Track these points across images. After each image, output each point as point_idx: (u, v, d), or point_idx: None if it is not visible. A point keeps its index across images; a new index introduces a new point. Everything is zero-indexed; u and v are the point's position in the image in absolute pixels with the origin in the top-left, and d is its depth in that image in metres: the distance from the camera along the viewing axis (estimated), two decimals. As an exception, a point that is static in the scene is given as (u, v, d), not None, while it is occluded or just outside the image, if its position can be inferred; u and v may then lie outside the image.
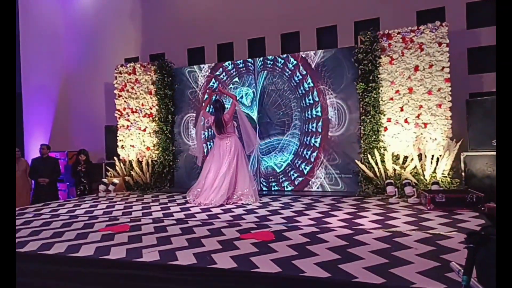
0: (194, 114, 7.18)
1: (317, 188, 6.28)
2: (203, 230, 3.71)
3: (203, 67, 7.27)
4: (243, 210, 4.84)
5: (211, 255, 2.81)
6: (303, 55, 6.50)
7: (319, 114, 6.34)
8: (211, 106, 5.93)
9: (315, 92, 6.37)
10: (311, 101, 6.41)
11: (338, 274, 2.31)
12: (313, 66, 6.39)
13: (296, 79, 6.53)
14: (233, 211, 4.77)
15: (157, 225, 4.00)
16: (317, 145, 6.32)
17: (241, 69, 6.95)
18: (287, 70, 6.60)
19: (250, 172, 5.72)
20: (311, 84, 6.40)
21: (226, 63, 7.09)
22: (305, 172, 6.39)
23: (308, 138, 6.41)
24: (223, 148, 5.59)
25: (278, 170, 6.60)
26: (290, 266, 2.49)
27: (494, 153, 5.19)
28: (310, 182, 6.34)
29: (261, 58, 6.84)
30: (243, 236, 3.39)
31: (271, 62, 6.74)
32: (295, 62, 6.53)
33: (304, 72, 6.46)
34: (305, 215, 4.33)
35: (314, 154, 6.34)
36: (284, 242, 3.11)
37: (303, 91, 6.46)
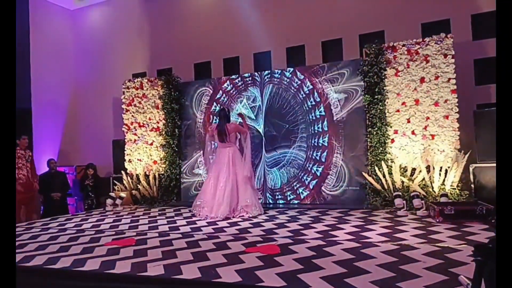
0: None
1: (325, 200, 6.24)
2: (208, 243, 3.68)
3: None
4: (249, 223, 4.81)
5: (216, 268, 2.78)
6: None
7: (326, 128, 6.34)
8: (216, 116, 5.97)
9: (321, 108, 6.39)
10: (318, 116, 6.43)
11: (345, 288, 2.27)
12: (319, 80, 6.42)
13: (303, 93, 6.56)
14: (239, 225, 4.74)
15: (163, 239, 3.99)
16: (323, 160, 6.31)
17: (248, 82, 7.00)
18: (294, 84, 6.63)
19: (253, 183, 5.69)
20: (318, 99, 6.42)
21: (225, 85, 7.15)
22: (311, 186, 6.36)
23: (315, 152, 6.40)
24: (224, 157, 5.58)
25: (285, 181, 6.58)
26: (296, 280, 2.46)
27: (504, 164, 5.12)
28: (317, 194, 6.30)
29: (268, 72, 6.89)
30: (248, 249, 3.36)
31: (279, 76, 6.77)
32: (302, 76, 6.56)
33: (311, 87, 6.49)
34: (312, 228, 4.29)
35: (320, 168, 6.33)
36: (289, 256, 3.07)
37: (310, 105, 6.49)
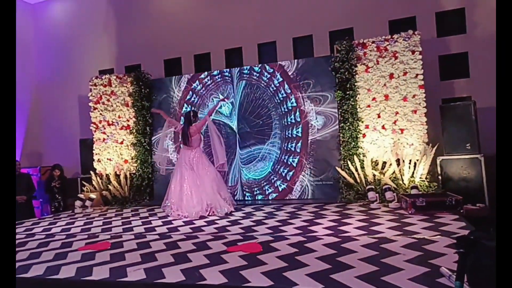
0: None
1: (299, 195, 6.31)
2: (188, 244, 3.63)
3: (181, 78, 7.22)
4: (227, 221, 4.78)
5: (200, 270, 2.74)
6: (282, 64, 6.56)
7: (299, 119, 6.40)
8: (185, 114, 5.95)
9: (292, 99, 6.43)
10: (290, 108, 6.46)
11: (331, 285, 2.30)
12: (290, 74, 6.46)
13: (273, 87, 6.58)
14: (216, 223, 4.70)
15: (140, 241, 3.89)
16: (298, 150, 6.37)
17: (219, 81, 6.93)
18: (265, 79, 6.63)
19: (219, 180, 5.68)
20: (289, 91, 6.46)
21: (203, 75, 7.06)
22: (288, 178, 6.40)
23: (288, 144, 6.45)
24: (189, 159, 5.56)
25: (258, 178, 6.59)
26: (282, 279, 2.46)
27: (468, 156, 5.37)
28: (292, 190, 6.36)
29: (238, 69, 6.85)
30: (230, 248, 3.33)
31: (248, 72, 6.75)
32: (271, 70, 6.57)
33: (281, 79, 6.51)
34: (290, 224, 4.32)
35: (296, 159, 6.37)
36: (272, 254, 3.08)
37: (281, 99, 6.51)
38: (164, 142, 6.45)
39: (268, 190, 6.53)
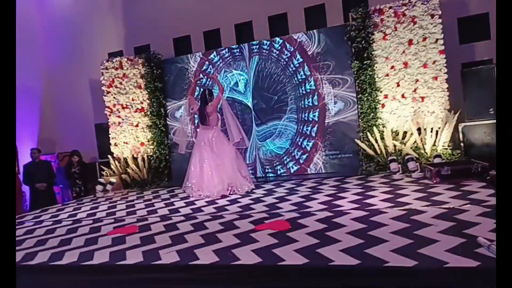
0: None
1: (319, 169, 6.27)
2: (215, 224, 3.64)
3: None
4: (249, 199, 4.78)
5: (232, 250, 2.75)
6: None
7: (313, 87, 6.31)
8: (199, 93, 5.85)
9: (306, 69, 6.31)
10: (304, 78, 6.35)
11: (367, 259, 2.28)
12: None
13: (285, 58, 6.44)
14: (239, 201, 4.71)
15: (166, 223, 3.92)
16: (316, 119, 6.30)
17: (233, 56, 6.80)
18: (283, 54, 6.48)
19: (239, 158, 5.66)
20: (308, 73, 6.34)
21: (212, 56, 6.93)
22: (308, 149, 6.36)
23: (306, 114, 6.37)
24: (208, 138, 5.51)
25: (281, 152, 6.56)
26: (316, 256, 2.45)
27: (492, 121, 5.23)
28: (311, 164, 6.33)
29: (256, 42, 6.69)
30: (258, 227, 3.33)
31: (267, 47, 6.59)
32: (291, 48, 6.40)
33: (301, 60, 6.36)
34: (314, 199, 4.30)
35: (315, 129, 6.31)
36: (301, 230, 3.06)
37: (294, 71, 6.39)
38: (184, 129, 6.30)
39: (289, 164, 6.51)
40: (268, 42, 6.60)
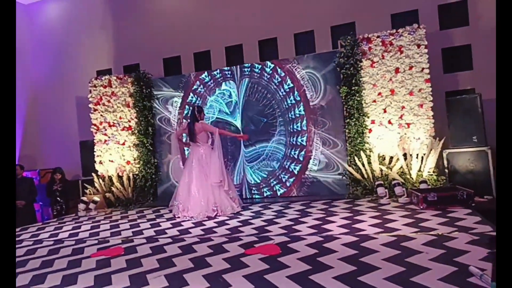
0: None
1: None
2: (203, 247, 3.57)
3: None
4: (237, 221, 4.73)
5: (223, 275, 2.70)
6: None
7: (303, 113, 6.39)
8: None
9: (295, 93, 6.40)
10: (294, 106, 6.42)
11: (361, 288, 2.27)
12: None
13: (276, 82, 6.53)
14: (227, 223, 4.66)
15: (153, 245, 3.84)
16: (304, 143, 6.35)
17: (219, 79, 6.86)
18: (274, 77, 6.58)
19: (229, 178, 5.62)
20: (291, 85, 6.43)
21: (203, 76, 6.97)
22: (295, 172, 6.38)
23: (294, 139, 6.42)
24: (195, 157, 5.49)
25: (265, 176, 6.56)
26: (309, 283, 2.42)
27: (475, 149, 5.37)
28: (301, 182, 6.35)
29: (248, 65, 6.78)
30: (248, 251, 3.29)
31: (259, 71, 6.67)
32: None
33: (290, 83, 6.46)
34: (303, 223, 4.28)
35: (303, 153, 6.36)
36: (292, 255, 3.04)
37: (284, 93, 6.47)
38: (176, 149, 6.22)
39: (275, 187, 6.50)
40: (260, 66, 6.68)
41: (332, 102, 6.18)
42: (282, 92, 6.48)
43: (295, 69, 6.40)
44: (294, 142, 6.40)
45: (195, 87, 6.99)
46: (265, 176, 6.56)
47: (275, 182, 6.51)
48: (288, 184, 6.43)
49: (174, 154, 5.89)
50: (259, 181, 6.59)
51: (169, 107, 7.11)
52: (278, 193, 6.47)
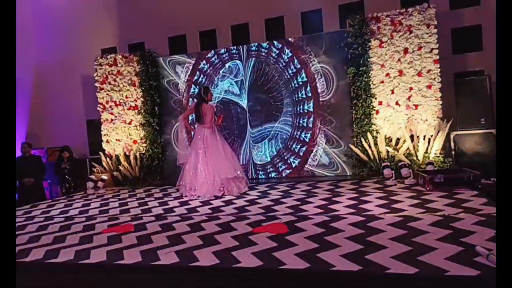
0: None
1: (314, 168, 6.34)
2: (211, 225, 3.63)
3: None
4: (244, 201, 4.79)
5: (231, 252, 2.75)
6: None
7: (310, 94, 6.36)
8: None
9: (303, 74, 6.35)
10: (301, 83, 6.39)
11: (368, 266, 2.31)
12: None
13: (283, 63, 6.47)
14: (234, 203, 4.72)
15: (162, 223, 3.91)
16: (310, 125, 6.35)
17: (227, 58, 6.81)
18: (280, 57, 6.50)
19: (234, 158, 5.66)
20: (299, 66, 6.36)
21: (209, 54, 6.92)
22: (301, 153, 6.40)
23: (301, 120, 6.41)
24: (203, 137, 5.52)
25: (269, 159, 6.59)
26: (317, 260, 2.47)
27: (483, 131, 5.35)
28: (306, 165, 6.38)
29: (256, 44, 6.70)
30: (256, 229, 3.35)
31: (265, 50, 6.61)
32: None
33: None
34: (309, 202, 4.33)
35: (308, 135, 6.36)
36: (300, 234, 3.09)
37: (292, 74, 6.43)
38: (183, 142, 6.16)
39: (281, 167, 6.54)
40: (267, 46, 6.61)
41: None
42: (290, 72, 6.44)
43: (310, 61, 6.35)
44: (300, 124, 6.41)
45: (201, 65, 6.96)
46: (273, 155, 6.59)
47: (281, 163, 6.54)
48: (293, 165, 6.47)
49: (181, 149, 5.86)
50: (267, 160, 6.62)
51: (178, 70, 7.05)
52: (284, 174, 6.51)
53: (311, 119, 6.34)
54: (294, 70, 6.42)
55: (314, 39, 6.36)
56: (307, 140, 6.37)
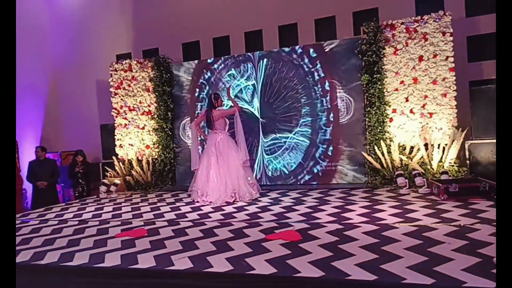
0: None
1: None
2: (224, 231, 3.64)
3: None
4: (256, 207, 4.79)
5: (245, 259, 2.75)
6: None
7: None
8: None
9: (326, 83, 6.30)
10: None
11: (384, 276, 2.28)
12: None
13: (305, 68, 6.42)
14: (246, 209, 4.72)
15: (174, 228, 3.92)
16: (328, 136, 6.30)
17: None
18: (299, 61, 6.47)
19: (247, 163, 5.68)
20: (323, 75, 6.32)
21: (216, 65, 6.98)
22: (320, 173, 6.36)
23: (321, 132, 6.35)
24: (216, 143, 5.56)
25: (287, 172, 6.55)
26: (331, 269, 2.45)
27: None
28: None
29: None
30: (269, 236, 3.34)
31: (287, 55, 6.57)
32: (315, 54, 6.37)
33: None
34: (322, 210, 4.31)
35: (331, 148, 6.31)
36: (313, 242, 3.07)
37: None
38: (196, 149, 6.01)
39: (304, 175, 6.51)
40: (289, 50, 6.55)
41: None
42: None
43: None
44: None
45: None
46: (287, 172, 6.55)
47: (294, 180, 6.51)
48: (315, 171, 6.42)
49: (194, 165, 5.86)
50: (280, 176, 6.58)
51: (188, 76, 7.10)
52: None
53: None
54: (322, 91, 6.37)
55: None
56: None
